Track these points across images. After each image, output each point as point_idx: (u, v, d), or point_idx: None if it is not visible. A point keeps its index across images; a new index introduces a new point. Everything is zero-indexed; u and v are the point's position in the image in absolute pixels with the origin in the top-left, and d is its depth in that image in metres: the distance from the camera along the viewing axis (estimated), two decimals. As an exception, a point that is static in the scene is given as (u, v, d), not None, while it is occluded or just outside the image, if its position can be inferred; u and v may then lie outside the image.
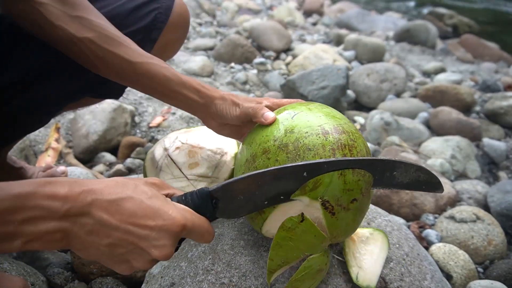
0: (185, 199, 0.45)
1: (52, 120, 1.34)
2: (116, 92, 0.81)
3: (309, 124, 0.53)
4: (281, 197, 0.48)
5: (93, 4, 0.61)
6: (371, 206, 0.75)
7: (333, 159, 0.47)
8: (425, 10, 4.18)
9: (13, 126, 0.68)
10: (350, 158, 0.49)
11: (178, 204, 0.44)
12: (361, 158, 0.49)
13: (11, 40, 0.61)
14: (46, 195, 0.35)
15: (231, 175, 0.71)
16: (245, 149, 0.58)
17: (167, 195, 0.45)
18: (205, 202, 0.45)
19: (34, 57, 0.62)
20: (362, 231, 0.63)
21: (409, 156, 1.23)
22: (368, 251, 0.61)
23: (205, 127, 0.82)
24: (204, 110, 0.63)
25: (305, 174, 0.46)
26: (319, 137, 0.51)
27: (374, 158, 0.49)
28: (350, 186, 0.49)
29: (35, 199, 0.35)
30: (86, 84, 0.72)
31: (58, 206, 0.35)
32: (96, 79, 0.72)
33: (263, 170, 0.46)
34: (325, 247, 0.53)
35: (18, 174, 0.84)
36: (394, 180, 0.50)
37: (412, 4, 4.95)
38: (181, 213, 0.42)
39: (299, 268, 0.51)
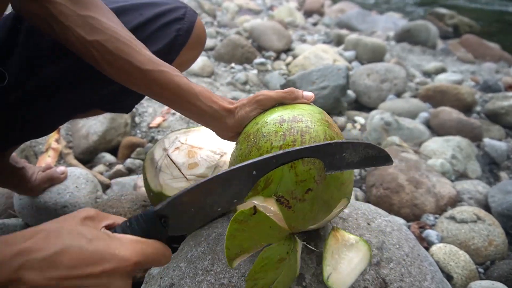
0: (130, 225, 0.40)
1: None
2: (126, 107, 0.80)
3: (273, 116, 0.56)
4: (234, 201, 0.45)
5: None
6: (371, 207, 0.75)
7: (280, 152, 0.45)
8: (421, 11, 4.17)
9: (20, 131, 0.68)
10: (297, 148, 0.47)
11: (124, 236, 0.39)
12: (307, 146, 0.47)
13: (29, 48, 0.61)
14: None
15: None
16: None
17: (107, 227, 0.40)
18: (153, 224, 0.41)
19: (50, 67, 0.62)
20: (348, 236, 0.62)
21: (410, 157, 1.22)
22: (348, 258, 0.60)
23: (204, 127, 0.82)
24: (218, 122, 0.61)
25: (254, 172, 0.45)
26: (275, 125, 0.54)
27: (320, 144, 0.48)
28: (302, 177, 0.49)
29: None
30: (99, 98, 0.71)
31: None
32: (110, 94, 0.72)
33: (208, 178, 0.42)
34: (284, 236, 0.52)
35: (19, 174, 0.84)
36: (344, 161, 0.50)
37: (410, 1, 4.95)
38: (129, 248, 0.37)
39: (256, 260, 0.50)
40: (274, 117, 0.56)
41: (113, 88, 0.71)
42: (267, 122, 0.55)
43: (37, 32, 0.61)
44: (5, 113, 0.63)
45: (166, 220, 0.41)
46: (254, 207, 0.47)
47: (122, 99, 0.77)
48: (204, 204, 0.43)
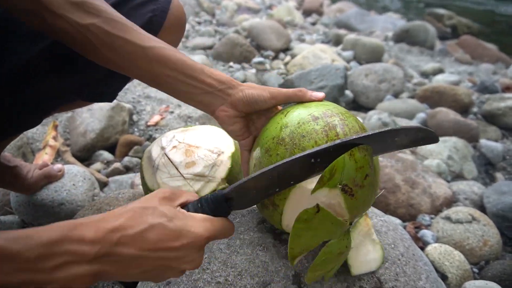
0: (201, 206, 0.47)
1: (50, 118, 1.34)
2: (109, 95, 0.78)
3: (300, 116, 0.56)
4: (292, 182, 0.50)
5: None
6: (367, 206, 0.75)
7: (338, 141, 0.48)
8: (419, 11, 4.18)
9: (3, 125, 0.66)
10: (359, 135, 0.50)
11: (197, 214, 0.45)
12: (367, 134, 0.50)
13: (1, 36, 0.59)
14: (74, 239, 0.36)
15: (228, 174, 0.71)
16: (253, 157, 0.60)
17: (182, 205, 0.46)
18: (221, 205, 0.48)
19: (23, 54, 0.60)
20: (373, 231, 0.64)
21: (406, 157, 1.23)
22: (366, 249, 0.62)
23: (202, 126, 0.82)
24: (222, 98, 0.59)
25: (312, 160, 0.48)
26: (310, 123, 0.54)
27: (375, 132, 0.50)
28: (360, 163, 0.50)
29: (64, 245, 0.35)
30: (77, 85, 0.69)
31: (87, 250, 0.36)
32: (92, 83, 0.71)
33: (272, 166, 0.47)
34: (345, 230, 0.53)
35: (13, 173, 0.84)
36: (395, 144, 0.52)
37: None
38: (202, 226, 0.44)
39: (318, 254, 0.52)
40: (302, 116, 0.56)
41: (94, 76, 0.69)
42: (299, 122, 0.55)
43: (11, 20, 0.59)
44: None
45: (231, 201, 0.48)
46: (317, 205, 0.48)
47: (104, 86, 0.75)
48: (265, 188, 0.49)
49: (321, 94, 0.61)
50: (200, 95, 0.59)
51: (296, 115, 0.56)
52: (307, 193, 0.52)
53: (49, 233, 0.35)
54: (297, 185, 0.53)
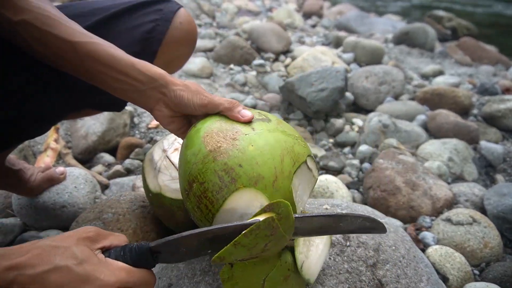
0: (123, 254, 0.44)
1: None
2: (118, 105, 0.79)
3: (183, 179, 0.52)
4: (224, 244, 0.45)
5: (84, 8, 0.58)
6: (368, 208, 0.76)
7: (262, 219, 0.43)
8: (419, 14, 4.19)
9: (11, 134, 0.67)
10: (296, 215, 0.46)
11: (114, 262, 0.42)
12: (300, 216, 0.46)
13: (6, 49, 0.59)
14: None
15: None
16: (180, 172, 0.54)
17: (104, 248, 0.43)
18: (144, 257, 0.45)
19: (36, 65, 0.61)
20: None
21: (407, 159, 1.23)
22: (315, 244, 0.57)
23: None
24: (155, 95, 0.56)
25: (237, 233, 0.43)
26: (188, 201, 0.50)
27: (319, 214, 0.47)
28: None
29: None
30: (86, 96, 0.70)
31: None
32: (97, 91, 0.72)
33: (203, 229, 0.44)
34: (276, 260, 0.50)
35: (17, 176, 0.84)
36: (340, 229, 0.50)
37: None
38: (115, 274, 0.40)
39: None
40: (183, 192, 0.52)
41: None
42: (184, 199, 0.51)
43: None
44: None
45: (158, 255, 0.45)
46: (229, 263, 0.45)
47: (113, 96, 0.76)
48: (196, 249, 0.45)
49: (249, 114, 0.54)
50: (133, 93, 0.56)
51: (184, 160, 0.51)
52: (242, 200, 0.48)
53: None
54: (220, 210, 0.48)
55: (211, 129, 0.52)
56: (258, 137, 0.50)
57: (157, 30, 0.71)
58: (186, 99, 0.55)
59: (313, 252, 0.56)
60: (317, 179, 0.55)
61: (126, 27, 0.69)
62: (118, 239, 0.45)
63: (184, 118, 0.59)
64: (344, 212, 0.50)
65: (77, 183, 0.94)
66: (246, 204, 0.47)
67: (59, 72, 0.61)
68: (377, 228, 0.51)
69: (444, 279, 0.87)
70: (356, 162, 1.34)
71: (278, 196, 0.47)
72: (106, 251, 0.44)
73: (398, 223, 1.06)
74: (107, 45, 0.55)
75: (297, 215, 0.46)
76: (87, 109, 0.77)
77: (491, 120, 1.66)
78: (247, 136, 0.49)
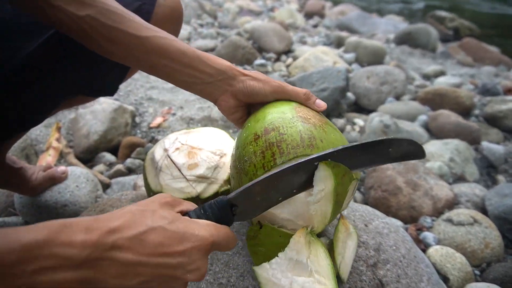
0: (204, 212, 0.44)
1: (53, 120, 1.35)
2: (110, 89, 0.78)
3: (246, 134, 0.55)
4: (294, 191, 0.49)
5: None
6: (369, 208, 0.76)
7: (334, 149, 0.48)
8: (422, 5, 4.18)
9: (6, 124, 0.66)
10: (351, 145, 0.49)
11: (200, 220, 0.42)
12: (357, 144, 0.49)
13: (2, 34, 0.59)
14: (62, 242, 0.32)
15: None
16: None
17: (181, 212, 0.43)
18: (225, 212, 0.45)
19: (22, 52, 0.60)
20: (349, 224, 0.64)
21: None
22: (349, 246, 0.61)
23: (205, 128, 0.82)
24: (223, 88, 0.58)
25: (316, 163, 0.48)
26: (252, 144, 0.53)
27: (364, 142, 0.50)
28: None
29: (49, 248, 0.31)
30: (78, 79, 0.69)
31: (76, 254, 0.32)
32: (89, 74, 0.70)
33: (276, 171, 0.47)
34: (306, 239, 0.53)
35: (17, 174, 0.85)
36: (387, 155, 0.52)
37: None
38: (206, 229, 0.41)
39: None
40: (248, 134, 0.55)
41: (94, 70, 0.69)
42: (243, 143, 0.54)
43: (8, 20, 0.59)
44: None
45: (236, 208, 0.46)
46: (258, 222, 0.48)
47: (105, 80, 0.74)
48: (269, 194, 0.47)
49: (323, 104, 0.60)
50: (200, 85, 0.58)
51: (245, 134, 0.55)
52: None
53: (33, 234, 0.31)
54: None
55: (300, 106, 0.58)
56: (336, 133, 0.56)
57: (143, 10, 0.69)
58: (258, 87, 0.58)
59: (348, 253, 0.60)
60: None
61: None
62: (190, 205, 0.45)
63: (246, 108, 0.62)
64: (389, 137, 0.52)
65: (78, 182, 0.95)
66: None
67: (51, 58, 0.60)
68: (419, 152, 0.53)
69: (445, 279, 0.87)
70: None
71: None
72: (184, 214, 0.44)
73: (399, 223, 1.06)
74: (172, 39, 0.56)
75: (349, 145, 0.49)
76: (79, 95, 0.76)
77: (492, 120, 1.65)
78: (333, 128, 0.56)
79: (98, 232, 0.34)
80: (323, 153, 0.48)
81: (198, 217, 0.44)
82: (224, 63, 0.58)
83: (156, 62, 0.56)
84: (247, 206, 0.47)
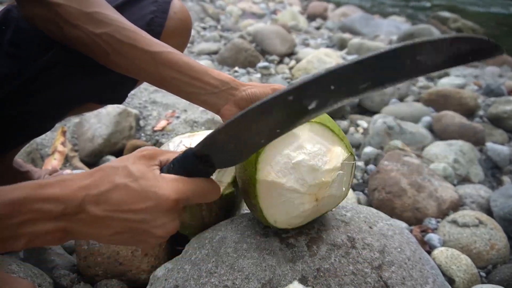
0: (173, 166, 0.43)
1: (58, 124, 1.36)
2: (119, 97, 0.81)
3: None
4: (277, 130, 0.42)
5: None
6: (373, 210, 0.76)
7: (323, 71, 0.37)
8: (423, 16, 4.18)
9: (17, 131, 0.69)
10: (345, 63, 0.36)
11: (167, 175, 0.42)
12: (361, 58, 0.36)
13: (14, 43, 0.62)
14: (40, 198, 0.37)
15: (235, 179, 0.72)
16: None
17: (160, 164, 0.44)
18: (194, 164, 0.43)
19: (38, 62, 0.63)
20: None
21: (412, 161, 1.23)
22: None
23: (208, 132, 0.83)
24: (226, 98, 0.62)
25: (290, 98, 0.38)
26: None
27: (376, 53, 0.36)
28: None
29: (29, 204, 0.36)
30: (89, 89, 0.72)
31: (53, 208, 0.37)
32: (99, 84, 0.73)
33: (241, 112, 0.40)
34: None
35: (24, 178, 0.85)
36: (419, 66, 0.37)
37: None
38: (170, 187, 0.41)
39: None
40: None
41: (104, 79, 0.71)
42: None
43: (25, 29, 0.62)
44: None
45: (208, 158, 0.43)
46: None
47: (115, 89, 0.77)
48: (244, 138, 0.42)
49: None
50: (205, 96, 0.62)
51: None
52: (272, 186, 0.55)
53: (15, 192, 0.36)
54: (260, 180, 0.54)
55: None
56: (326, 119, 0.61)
57: (156, 23, 0.73)
58: (259, 92, 0.61)
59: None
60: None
61: None
62: (172, 154, 0.45)
63: None
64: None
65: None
66: (310, 136, 0.57)
67: (63, 66, 0.63)
68: (486, 48, 0.37)
69: (450, 281, 0.87)
70: (361, 163, 1.34)
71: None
72: (163, 165, 0.44)
73: (403, 225, 1.06)
74: (180, 54, 0.60)
75: (340, 65, 0.36)
76: (89, 103, 0.79)
77: (497, 121, 1.65)
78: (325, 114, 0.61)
79: (71, 189, 0.38)
80: (296, 84, 0.37)
81: (168, 172, 0.43)
82: (227, 75, 0.63)
83: (165, 74, 0.59)
84: (221, 154, 0.43)
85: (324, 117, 0.60)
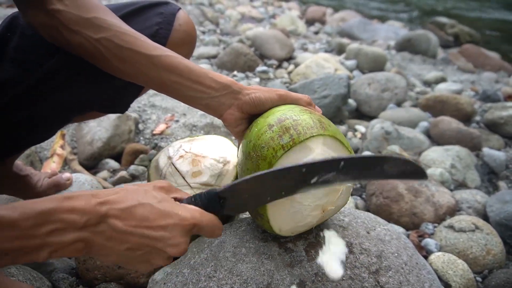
0: (194, 200, 0.49)
1: (57, 127, 1.36)
2: (122, 106, 0.81)
3: (259, 128, 0.59)
4: (283, 193, 0.51)
5: None
6: (371, 215, 0.76)
7: (329, 158, 0.50)
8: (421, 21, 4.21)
9: (19, 137, 0.69)
10: (344, 156, 0.51)
11: (188, 205, 0.48)
12: (352, 156, 0.51)
13: (20, 49, 0.63)
14: (66, 209, 0.39)
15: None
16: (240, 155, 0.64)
17: (175, 199, 0.49)
18: (213, 202, 0.49)
19: (42, 67, 0.63)
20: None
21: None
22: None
23: (208, 136, 0.84)
24: (228, 101, 0.62)
25: (304, 170, 0.49)
26: (267, 133, 0.57)
27: (364, 156, 0.51)
28: None
29: (56, 214, 0.39)
30: (92, 96, 0.72)
31: (77, 219, 0.39)
32: (102, 91, 0.73)
33: (264, 172, 0.49)
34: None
35: (24, 181, 0.86)
36: (383, 173, 0.51)
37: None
38: (190, 212, 0.46)
39: None
40: (260, 127, 0.59)
41: (108, 87, 0.72)
42: (257, 134, 0.58)
43: (30, 36, 0.63)
44: (1, 119, 0.64)
45: (224, 201, 0.50)
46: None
47: (118, 98, 0.78)
48: (257, 192, 0.50)
49: (320, 110, 0.66)
50: (207, 100, 0.62)
51: (258, 129, 0.59)
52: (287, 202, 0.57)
53: (43, 203, 0.38)
54: None
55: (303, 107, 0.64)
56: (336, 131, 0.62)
57: (161, 34, 0.73)
58: (264, 97, 0.62)
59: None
60: None
61: None
62: (186, 194, 0.51)
63: (249, 120, 0.66)
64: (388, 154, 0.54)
65: (83, 188, 0.96)
66: (323, 150, 0.57)
67: (66, 72, 0.64)
68: (418, 173, 0.51)
69: (447, 286, 0.88)
70: (358, 168, 1.35)
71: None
72: (177, 200, 0.49)
73: (400, 230, 1.06)
74: (180, 58, 0.60)
75: (345, 156, 0.52)
76: (92, 111, 0.79)
77: (493, 127, 1.66)
78: (333, 125, 0.62)
79: (95, 202, 0.41)
80: (311, 161, 0.50)
81: (188, 203, 0.49)
82: (228, 78, 0.62)
83: (165, 78, 0.60)
84: (235, 201, 0.51)
85: (335, 129, 0.61)
